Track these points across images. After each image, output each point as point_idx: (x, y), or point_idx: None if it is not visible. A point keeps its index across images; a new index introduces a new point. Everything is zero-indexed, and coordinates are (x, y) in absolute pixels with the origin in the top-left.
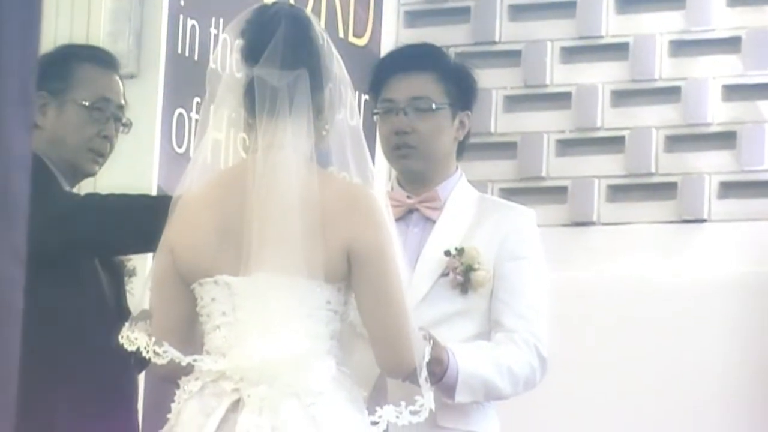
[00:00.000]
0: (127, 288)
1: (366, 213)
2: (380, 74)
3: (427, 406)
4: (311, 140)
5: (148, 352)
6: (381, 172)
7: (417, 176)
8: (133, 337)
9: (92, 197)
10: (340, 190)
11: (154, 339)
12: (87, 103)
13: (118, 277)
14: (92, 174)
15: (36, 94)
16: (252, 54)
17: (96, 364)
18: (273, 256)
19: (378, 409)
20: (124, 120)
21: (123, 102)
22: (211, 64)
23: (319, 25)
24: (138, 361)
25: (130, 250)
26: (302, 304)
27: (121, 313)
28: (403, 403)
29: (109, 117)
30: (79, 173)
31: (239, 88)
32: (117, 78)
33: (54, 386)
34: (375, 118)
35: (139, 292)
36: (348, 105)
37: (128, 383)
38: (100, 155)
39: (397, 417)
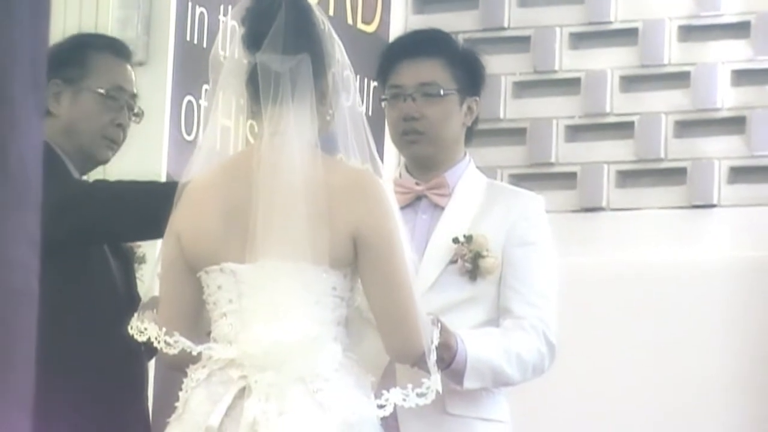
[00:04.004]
0: (137, 275)
1: (371, 198)
2: (388, 60)
3: (433, 387)
4: (315, 126)
5: (159, 342)
6: (390, 158)
7: (425, 162)
8: (142, 328)
9: (100, 184)
10: (345, 176)
11: (164, 329)
12: (102, 91)
13: (128, 264)
14: (105, 161)
15: (50, 82)
16: (254, 41)
17: (106, 351)
18: (278, 243)
19: (384, 392)
20: (136, 110)
21: (135, 91)
22: (220, 51)
23: (320, 11)
24: (148, 348)
25: (138, 236)
26: (308, 290)
27: (131, 300)
28: (410, 386)
29: (122, 105)
30: (92, 161)
31: (242, 75)
32: (130, 67)
33: (64, 373)
34: (383, 104)
35: (148, 279)
36: (351, 90)
37: (138, 370)
38: (113, 142)
39: (404, 399)
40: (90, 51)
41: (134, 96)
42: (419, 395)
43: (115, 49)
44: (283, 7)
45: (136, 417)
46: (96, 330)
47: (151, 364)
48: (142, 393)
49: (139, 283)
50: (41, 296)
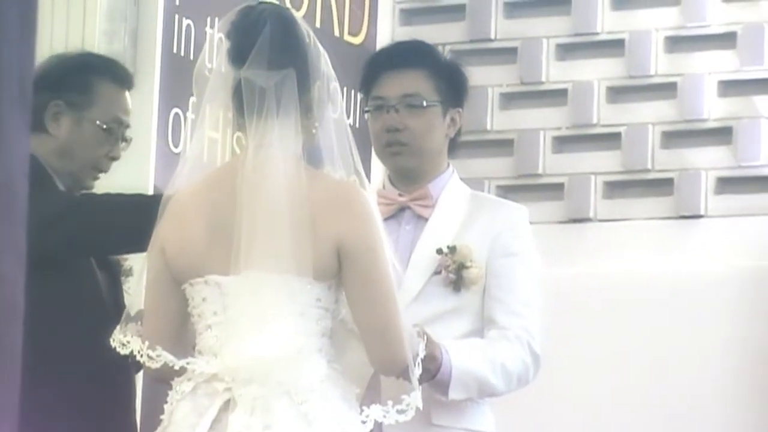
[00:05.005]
0: (124, 288)
1: (355, 210)
2: (371, 71)
3: (413, 404)
4: (299, 139)
5: (141, 356)
6: (377, 170)
7: (408, 173)
8: (125, 341)
9: (87, 197)
10: (329, 188)
11: (147, 343)
12: (104, 126)
13: (115, 276)
14: (90, 188)
15: (52, 102)
16: (238, 56)
17: (93, 364)
18: (262, 255)
19: (365, 408)
20: (126, 138)
21: (129, 122)
22: (206, 63)
23: (305, 24)
24: (135, 361)
25: (126, 249)
26: (292, 301)
27: (119, 313)
28: (390, 403)
29: (118, 138)
30: (77, 185)
31: (228, 88)
32: (128, 96)
33: (52, 386)
34: (366, 115)
35: (135, 292)
36: (337, 103)
37: (126, 383)
38: (102, 172)
39: (384, 416)
40: (94, 77)
41: (128, 126)
42: (399, 412)
43: (119, 76)
44: (268, 22)
45: (124, 429)
46: (83, 343)
47: (139, 377)
48: (129, 405)
49: (126, 295)
50: (28, 309)
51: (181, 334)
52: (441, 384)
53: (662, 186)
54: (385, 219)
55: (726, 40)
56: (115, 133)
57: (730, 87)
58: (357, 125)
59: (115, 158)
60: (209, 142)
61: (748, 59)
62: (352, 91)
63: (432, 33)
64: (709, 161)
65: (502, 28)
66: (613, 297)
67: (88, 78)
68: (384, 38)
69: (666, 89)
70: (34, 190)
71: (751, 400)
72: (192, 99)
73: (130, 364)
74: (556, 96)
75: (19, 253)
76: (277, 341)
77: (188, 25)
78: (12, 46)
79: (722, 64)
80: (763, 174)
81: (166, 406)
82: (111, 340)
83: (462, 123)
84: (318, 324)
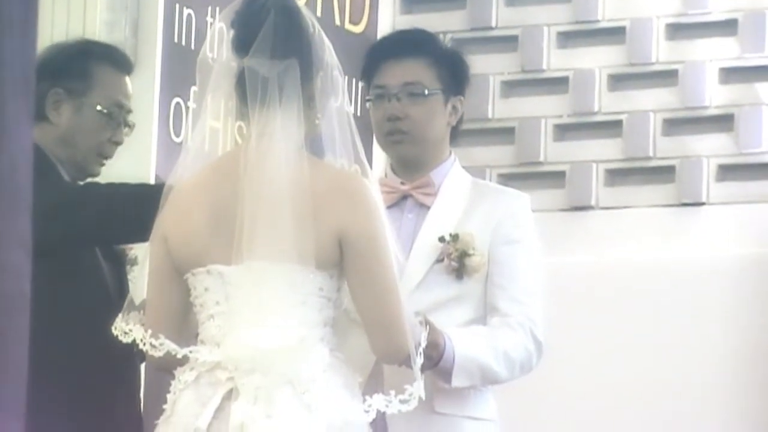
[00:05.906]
0: (129, 277)
1: (357, 199)
2: (372, 60)
3: (416, 394)
4: (302, 129)
5: (144, 344)
6: (380, 158)
7: (410, 162)
8: (127, 329)
9: (91, 187)
10: (331, 178)
11: (150, 331)
12: (105, 110)
13: (120, 266)
14: (95, 175)
15: (52, 90)
16: (242, 45)
17: (98, 354)
18: (264, 244)
19: (367, 398)
20: (129, 123)
21: (131, 107)
22: (207, 53)
23: (309, 13)
24: (140, 351)
25: (130, 239)
26: (295, 291)
27: (124, 302)
28: (392, 392)
29: (120, 122)
30: (83, 173)
31: (231, 77)
32: (128, 80)
33: (56, 376)
34: (368, 104)
35: (140, 281)
36: (340, 93)
37: (131, 373)
38: (106, 158)
39: (387, 406)
40: (93, 63)
41: (130, 111)
42: (402, 401)
43: (117, 62)
44: (272, 12)
45: (129, 419)
46: (88, 333)
47: (142, 366)
48: (134, 395)
49: (131, 285)
50: (32, 299)
51: (183, 324)
52: (444, 371)
53: (663, 173)
54: (388, 207)
55: (727, 27)
56: (116, 118)
57: (731, 74)
58: (358, 114)
59: (118, 143)
60: (211, 132)
61: (749, 46)
62: (353, 80)
63: (433, 21)
64: (710, 149)
65: (503, 16)
66: (614, 284)
67: (86, 64)
68: (385, 27)
69: (667, 77)
70: (39, 181)
71: (753, 387)
72: (193, 88)
73: (135, 353)
74: (557, 84)
75: (25, 244)
76: (280, 331)
77: (189, 15)
78: (14, 37)
79: (723, 51)
80: (764, 161)
81: (168, 396)
82: (113, 328)
83: (463, 111)
84: (320, 313)
